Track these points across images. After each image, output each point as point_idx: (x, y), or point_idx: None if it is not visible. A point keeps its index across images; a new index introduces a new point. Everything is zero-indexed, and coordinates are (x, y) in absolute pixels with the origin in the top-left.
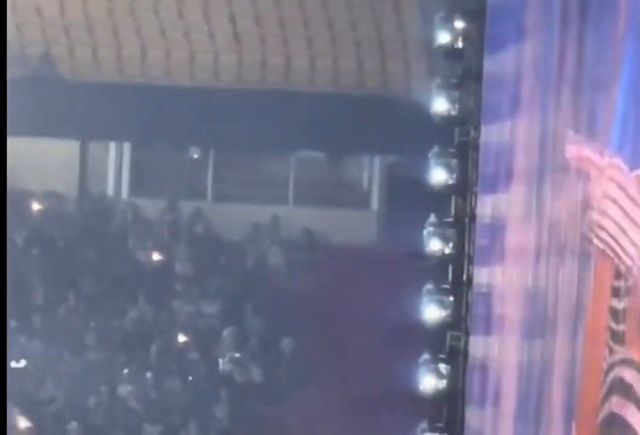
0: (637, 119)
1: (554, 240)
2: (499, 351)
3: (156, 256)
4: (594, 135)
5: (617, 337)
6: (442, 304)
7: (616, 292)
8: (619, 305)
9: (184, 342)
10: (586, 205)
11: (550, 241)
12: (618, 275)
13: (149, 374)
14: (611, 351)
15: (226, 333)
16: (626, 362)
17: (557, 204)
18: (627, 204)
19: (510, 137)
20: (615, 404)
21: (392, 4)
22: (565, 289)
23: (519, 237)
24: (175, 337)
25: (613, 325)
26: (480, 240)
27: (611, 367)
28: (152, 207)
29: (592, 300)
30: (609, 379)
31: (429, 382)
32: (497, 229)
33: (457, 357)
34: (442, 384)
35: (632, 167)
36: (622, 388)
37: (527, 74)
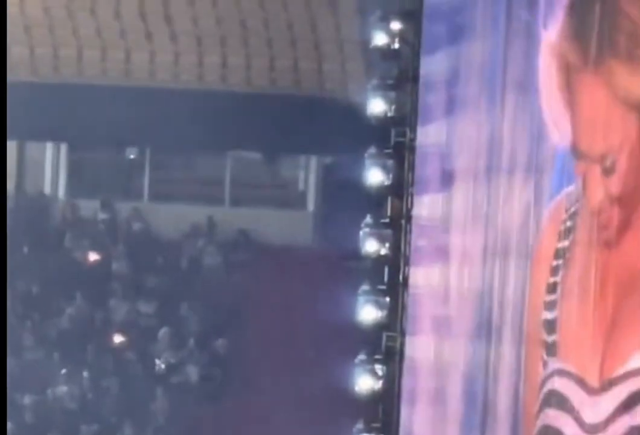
0: None
1: (494, 242)
2: (435, 352)
3: (93, 255)
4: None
5: (550, 348)
6: (378, 305)
7: (548, 305)
8: (550, 315)
9: (121, 342)
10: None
11: (491, 243)
12: (550, 288)
13: (85, 374)
14: (545, 361)
15: (162, 332)
16: (561, 373)
17: (500, 205)
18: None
19: (447, 138)
20: (550, 416)
21: (328, 5)
22: (505, 291)
23: (457, 238)
24: (112, 337)
25: (545, 336)
26: (417, 241)
27: (547, 377)
28: (89, 207)
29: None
30: (544, 389)
31: (365, 382)
32: (433, 230)
33: (393, 358)
34: (378, 384)
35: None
36: (557, 399)
37: (467, 75)
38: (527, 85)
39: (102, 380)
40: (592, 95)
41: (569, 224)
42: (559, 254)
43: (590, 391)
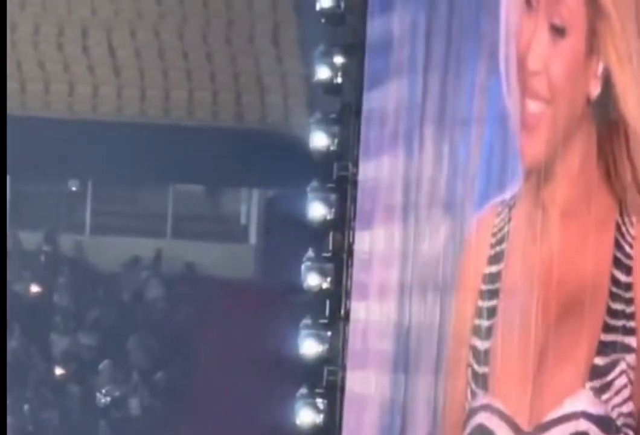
0: (503, 154)
1: (422, 276)
2: (375, 386)
3: (34, 288)
4: (457, 171)
5: (480, 379)
6: (319, 339)
7: (478, 331)
8: (481, 344)
9: (62, 374)
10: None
11: (419, 277)
12: (479, 313)
13: (26, 407)
14: (473, 394)
15: (104, 365)
16: (490, 409)
17: (424, 240)
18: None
19: (383, 173)
20: None
21: (271, 38)
22: (433, 325)
23: (389, 272)
24: (53, 369)
25: (475, 365)
26: (358, 275)
27: (475, 410)
28: (30, 239)
29: (453, 338)
30: (471, 423)
31: (306, 416)
32: (373, 264)
33: (334, 392)
34: (319, 418)
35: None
36: None
37: (399, 111)
38: (445, 123)
39: (43, 413)
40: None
41: (497, 249)
42: (488, 279)
43: (521, 434)
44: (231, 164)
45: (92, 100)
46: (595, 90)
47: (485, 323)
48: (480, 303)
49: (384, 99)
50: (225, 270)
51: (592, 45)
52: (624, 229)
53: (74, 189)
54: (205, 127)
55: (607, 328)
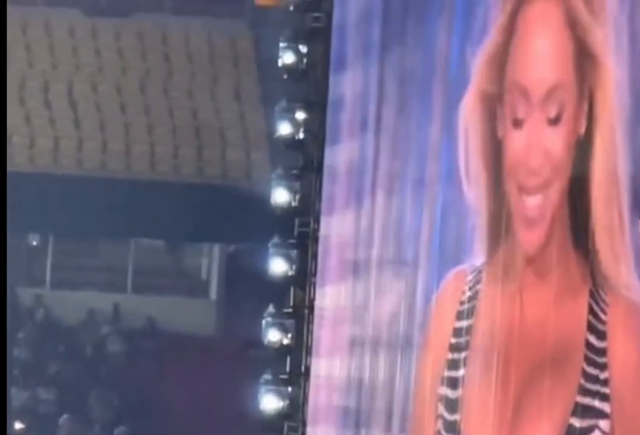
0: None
1: (380, 333)
2: None
3: None
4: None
5: (451, 428)
6: (279, 394)
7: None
8: (453, 394)
9: (20, 429)
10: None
11: (378, 333)
12: (451, 365)
13: None
14: None
15: (63, 420)
16: None
17: (382, 297)
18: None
19: (343, 229)
20: None
21: (233, 93)
22: (393, 380)
23: (349, 328)
24: (12, 424)
25: (447, 415)
26: (318, 331)
27: None
28: None
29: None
30: None
31: None
32: (333, 320)
33: None
34: None
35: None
36: None
37: (354, 169)
38: (397, 183)
39: None
40: None
41: (467, 305)
42: (457, 333)
43: None
44: (192, 218)
45: (53, 154)
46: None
47: (455, 374)
48: (450, 355)
49: (343, 156)
50: (186, 325)
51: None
52: (597, 296)
53: (34, 243)
54: (166, 182)
55: (583, 391)
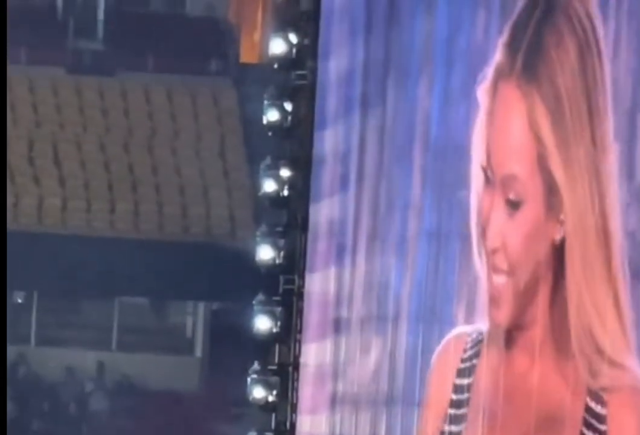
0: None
1: (365, 389)
2: None
3: None
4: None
5: None
6: None
7: None
8: None
9: None
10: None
11: (363, 390)
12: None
13: None
14: None
15: None
16: None
17: (367, 354)
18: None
19: (327, 287)
20: None
21: (217, 150)
22: None
23: (334, 385)
24: None
25: None
26: (304, 388)
27: None
28: None
29: None
30: None
31: None
32: (319, 377)
33: None
34: None
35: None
36: None
37: (335, 226)
38: (378, 240)
39: None
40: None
41: (468, 364)
42: (458, 389)
43: None
44: (177, 276)
45: (37, 212)
46: (559, 234)
47: (455, 428)
48: (451, 411)
49: (326, 213)
50: (171, 383)
51: (551, 204)
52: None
53: (19, 300)
54: (150, 240)
55: None
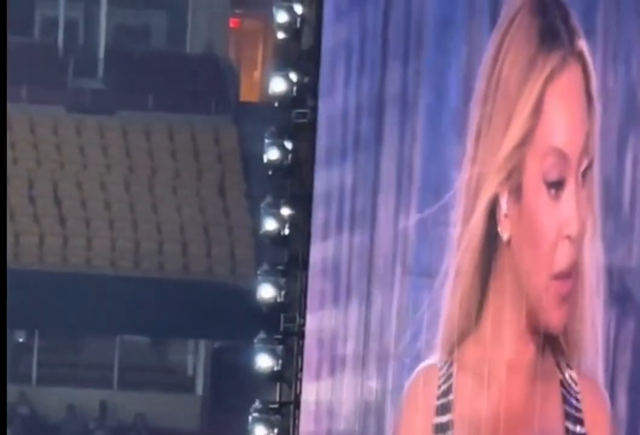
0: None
1: (378, 426)
2: None
3: None
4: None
5: None
6: None
7: None
8: None
9: None
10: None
11: (375, 427)
12: None
13: None
14: None
15: None
16: None
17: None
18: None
19: (334, 324)
20: None
21: (217, 189)
22: None
23: (335, 423)
24: None
25: None
26: (305, 427)
27: None
28: None
29: None
30: None
31: None
32: (320, 415)
33: None
34: None
35: None
36: None
37: (340, 265)
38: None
39: None
40: None
41: (444, 400)
42: (439, 428)
43: None
44: (178, 315)
45: (38, 251)
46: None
47: None
48: None
49: (326, 253)
50: (173, 421)
51: None
52: (567, 385)
53: (20, 339)
54: (151, 278)
55: None
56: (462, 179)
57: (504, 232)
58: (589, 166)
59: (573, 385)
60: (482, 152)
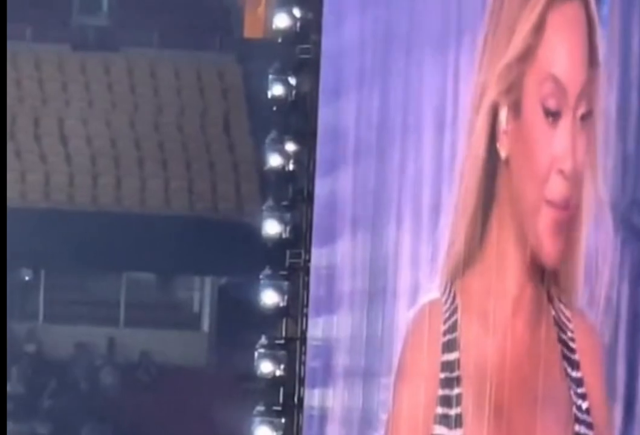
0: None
1: (374, 362)
2: None
3: None
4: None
5: None
6: (273, 426)
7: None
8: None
9: None
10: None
11: (371, 363)
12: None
13: None
14: None
15: None
16: None
17: (376, 326)
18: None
19: (339, 260)
20: None
21: (222, 126)
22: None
23: (342, 359)
24: None
25: None
26: (312, 362)
27: None
28: None
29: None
30: None
31: None
32: (327, 350)
33: None
34: None
35: None
36: None
37: (355, 197)
38: (382, 216)
39: None
40: None
41: (450, 337)
42: (447, 367)
43: None
44: (183, 251)
45: (44, 189)
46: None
47: (452, 412)
48: (442, 392)
49: (334, 186)
50: (179, 358)
51: None
52: (561, 323)
53: (27, 278)
54: (157, 215)
55: (578, 421)
56: (467, 91)
57: (503, 149)
58: (588, 113)
59: (567, 323)
60: (486, 61)
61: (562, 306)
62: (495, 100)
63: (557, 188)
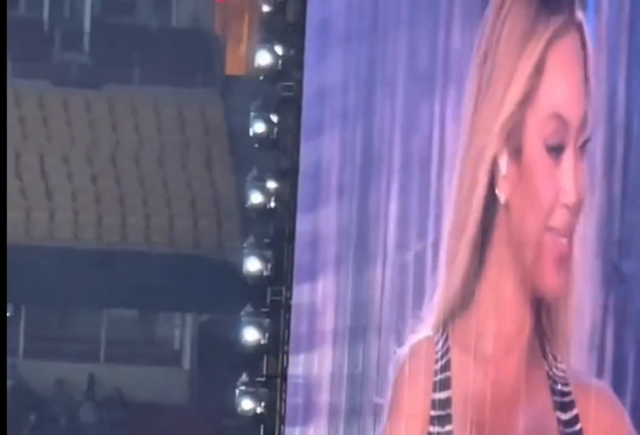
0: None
1: (355, 400)
2: None
3: None
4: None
5: None
6: None
7: None
8: None
9: None
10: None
11: (352, 400)
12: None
13: None
14: None
15: None
16: None
17: (357, 364)
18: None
19: (320, 297)
20: None
21: (203, 162)
22: None
23: (322, 397)
24: None
25: None
26: (293, 400)
27: None
28: None
29: None
30: None
31: None
32: (308, 388)
33: None
34: None
35: None
36: None
37: (329, 236)
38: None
39: None
40: None
41: (442, 376)
42: (438, 405)
43: None
44: (164, 288)
45: (25, 225)
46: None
47: None
48: (433, 429)
49: (315, 224)
50: (159, 395)
51: None
52: (552, 372)
53: (8, 313)
54: (138, 252)
55: None
56: (461, 139)
57: (502, 193)
58: (588, 140)
59: (556, 371)
60: (482, 109)
61: (553, 355)
62: (495, 152)
63: (560, 217)
